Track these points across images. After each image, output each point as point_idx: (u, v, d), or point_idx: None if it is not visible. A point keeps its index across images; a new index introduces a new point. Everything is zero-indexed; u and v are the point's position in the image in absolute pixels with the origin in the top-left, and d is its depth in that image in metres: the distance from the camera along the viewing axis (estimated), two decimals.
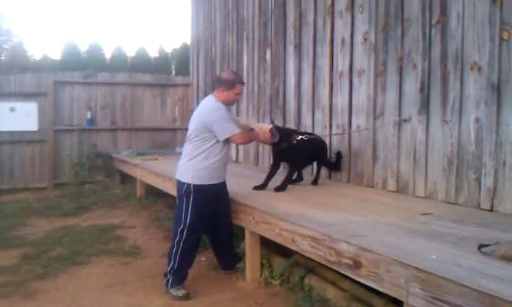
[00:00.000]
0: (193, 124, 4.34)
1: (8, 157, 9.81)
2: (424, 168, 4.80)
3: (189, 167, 4.32)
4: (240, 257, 4.82)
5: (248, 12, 8.10)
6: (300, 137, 5.11)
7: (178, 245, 4.25)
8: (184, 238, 4.25)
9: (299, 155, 5.24)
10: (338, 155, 5.77)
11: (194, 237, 4.33)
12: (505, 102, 4.03)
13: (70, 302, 4.18)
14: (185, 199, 4.30)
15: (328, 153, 5.80)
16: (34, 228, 6.78)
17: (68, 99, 10.35)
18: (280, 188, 5.06)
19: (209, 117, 4.22)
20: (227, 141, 4.37)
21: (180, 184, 4.37)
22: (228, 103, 4.44)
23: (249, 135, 4.63)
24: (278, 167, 5.27)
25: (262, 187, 5.11)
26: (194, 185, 4.26)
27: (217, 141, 4.28)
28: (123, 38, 40.32)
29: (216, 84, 4.46)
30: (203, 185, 4.28)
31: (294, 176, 5.45)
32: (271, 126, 4.82)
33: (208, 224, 4.50)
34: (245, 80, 8.09)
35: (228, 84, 4.34)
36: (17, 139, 9.85)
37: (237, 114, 8.35)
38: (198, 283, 4.46)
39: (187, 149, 4.38)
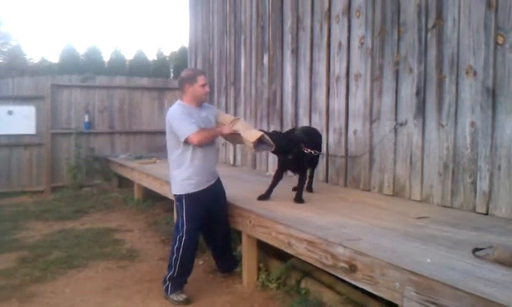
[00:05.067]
0: (166, 134, 4.45)
1: (6, 160, 9.81)
2: (420, 172, 4.82)
3: (175, 178, 4.39)
4: (237, 260, 4.84)
5: (245, 16, 8.13)
6: (310, 151, 4.82)
7: (178, 252, 4.26)
8: (182, 246, 4.26)
9: (305, 163, 4.99)
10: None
11: (191, 243, 4.34)
12: (500, 106, 4.06)
13: (68, 306, 4.20)
14: (179, 207, 4.35)
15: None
16: (31, 231, 6.78)
17: (66, 102, 10.38)
18: (298, 199, 4.76)
19: (172, 122, 4.30)
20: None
21: (173, 194, 4.47)
22: (199, 99, 4.38)
23: (207, 132, 4.29)
24: (282, 177, 5.01)
25: (265, 196, 4.90)
26: (183, 194, 4.31)
27: (194, 147, 4.25)
28: (121, 41, 40.24)
29: (181, 87, 4.42)
30: (192, 193, 4.31)
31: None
32: (259, 134, 4.43)
33: (207, 225, 4.52)
34: (242, 84, 8.17)
35: (190, 79, 4.35)
36: (15, 142, 9.86)
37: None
38: (195, 286, 4.47)
39: (171, 159, 4.44)
